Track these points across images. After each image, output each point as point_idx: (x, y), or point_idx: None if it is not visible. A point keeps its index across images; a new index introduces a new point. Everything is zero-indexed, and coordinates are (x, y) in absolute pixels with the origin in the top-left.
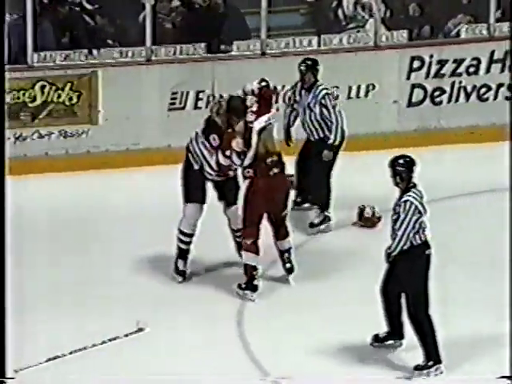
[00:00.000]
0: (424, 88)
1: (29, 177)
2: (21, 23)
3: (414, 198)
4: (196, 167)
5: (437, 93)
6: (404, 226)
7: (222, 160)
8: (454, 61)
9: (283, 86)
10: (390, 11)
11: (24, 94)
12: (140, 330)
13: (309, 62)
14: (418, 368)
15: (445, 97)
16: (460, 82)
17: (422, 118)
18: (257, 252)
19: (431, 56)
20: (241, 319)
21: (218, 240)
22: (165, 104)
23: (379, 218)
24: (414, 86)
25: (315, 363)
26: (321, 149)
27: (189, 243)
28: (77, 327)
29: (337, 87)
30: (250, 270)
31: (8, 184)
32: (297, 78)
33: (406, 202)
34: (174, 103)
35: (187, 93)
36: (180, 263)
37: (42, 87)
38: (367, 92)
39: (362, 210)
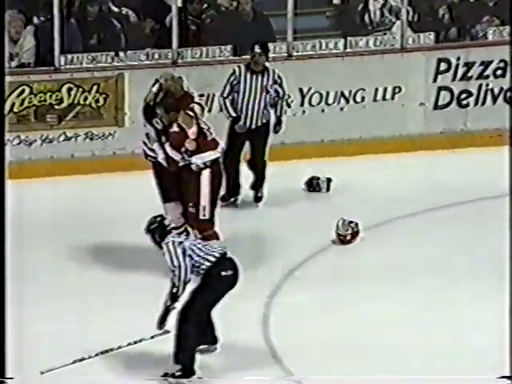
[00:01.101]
0: (451, 90)
1: (55, 179)
2: (48, 25)
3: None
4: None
5: (463, 95)
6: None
7: (170, 153)
8: (481, 63)
9: (309, 89)
10: (418, 14)
11: (51, 97)
12: (166, 332)
13: (264, 45)
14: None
15: (471, 99)
16: (487, 85)
17: (448, 121)
18: (218, 238)
19: (458, 58)
20: (266, 320)
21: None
22: None
23: (357, 233)
24: (440, 89)
25: (340, 364)
26: (262, 132)
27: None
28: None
29: (363, 89)
30: None
31: (35, 186)
32: (323, 80)
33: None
34: None
35: (213, 95)
36: None
37: (69, 89)
38: (393, 94)
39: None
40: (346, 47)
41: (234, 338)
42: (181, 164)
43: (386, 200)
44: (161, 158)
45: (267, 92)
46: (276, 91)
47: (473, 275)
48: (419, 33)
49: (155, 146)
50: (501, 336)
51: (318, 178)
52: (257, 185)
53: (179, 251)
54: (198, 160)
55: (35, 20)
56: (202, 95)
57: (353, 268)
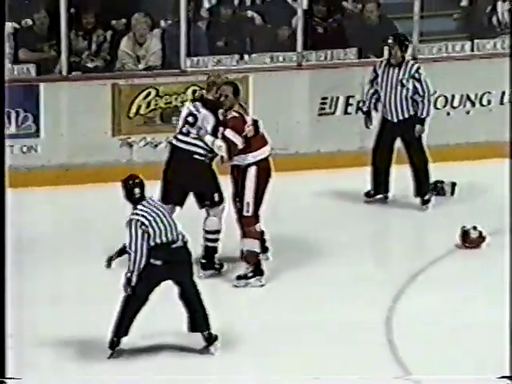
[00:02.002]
0: None
1: None
2: (175, 28)
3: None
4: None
5: None
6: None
7: (232, 137)
8: None
9: (434, 92)
10: None
11: (176, 99)
12: None
13: (398, 37)
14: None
15: None
16: None
17: None
18: (258, 237)
19: None
20: (390, 324)
21: None
22: (315, 109)
23: (484, 238)
24: None
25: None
26: (410, 127)
27: None
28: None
29: (489, 92)
30: (253, 257)
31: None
32: (449, 82)
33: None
34: (323, 108)
35: (337, 98)
36: None
37: (194, 92)
38: None
39: (466, 232)
40: (472, 50)
41: (357, 339)
42: (241, 146)
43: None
44: (220, 147)
45: (403, 86)
46: (414, 87)
47: None
48: None
49: (207, 138)
50: None
51: (443, 182)
52: (419, 187)
53: (139, 234)
54: (247, 157)
55: (162, 23)
56: (325, 98)
57: (476, 273)
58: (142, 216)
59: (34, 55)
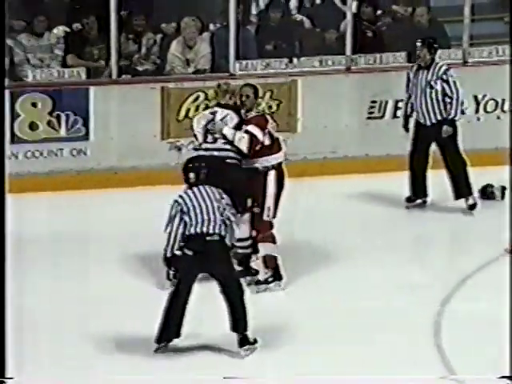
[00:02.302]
0: None
1: None
2: (224, 32)
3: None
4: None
5: None
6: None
7: (257, 132)
8: None
9: (484, 96)
10: None
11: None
12: None
13: (426, 40)
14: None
15: None
16: None
17: None
18: (275, 241)
19: None
20: (438, 328)
21: None
22: (363, 112)
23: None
24: None
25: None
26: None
27: None
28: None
29: None
30: (272, 261)
31: None
32: (499, 86)
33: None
34: (372, 112)
35: (386, 102)
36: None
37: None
38: None
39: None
40: None
41: (404, 342)
42: (267, 143)
43: None
44: (241, 139)
45: (431, 87)
46: (443, 88)
47: None
48: None
49: (226, 129)
50: None
51: (493, 186)
52: (458, 190)
53: (177, 217)
54: (264, 162)
55: (211, 27)
56: (374, 101)
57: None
58: (183, 201)
59: (81, 62)
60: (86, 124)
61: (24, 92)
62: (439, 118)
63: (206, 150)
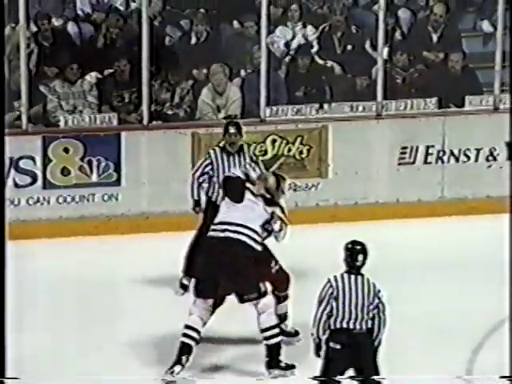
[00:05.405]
0: None
1: None
2: (254, 77)
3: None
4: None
5: None
6: None
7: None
8: None
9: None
10: None
11: (255, 148)
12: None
13: (238, 125)
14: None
15: None
16: None
17: None
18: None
19: None
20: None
21: None
22: (394, 158)
23: None
24: None
25: None
26: None
27: None
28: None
29: None
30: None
31: None
32: None
33: None
34: (403, 158)
35: (417, 147)
36: None
37: (273, 141)
38: None
39: None
40: None
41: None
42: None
43: None
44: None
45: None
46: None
47: None
48: None
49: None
50: None
51: None
52: None
53: (325, 299)
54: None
55: (242, 72)
56: (405, 147)
57: None
58: (336, 286)
59: (113, 110)
60: (117, 169)
61: (56, 138)
62: None
63: None
